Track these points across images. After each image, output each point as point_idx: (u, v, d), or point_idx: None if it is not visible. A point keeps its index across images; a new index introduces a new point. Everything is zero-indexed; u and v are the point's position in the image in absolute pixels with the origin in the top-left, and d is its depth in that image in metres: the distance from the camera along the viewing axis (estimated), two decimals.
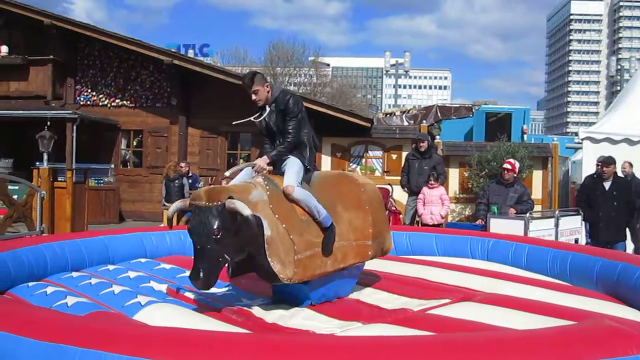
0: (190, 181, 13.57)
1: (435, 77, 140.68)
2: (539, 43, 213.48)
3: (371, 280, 4.76)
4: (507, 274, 5.25)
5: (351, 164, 15.13)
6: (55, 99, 16.65)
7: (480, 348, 2.29)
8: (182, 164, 13.75)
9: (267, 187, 4.07)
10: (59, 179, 11.88)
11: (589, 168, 9.99)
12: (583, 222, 8.91)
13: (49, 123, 14.12)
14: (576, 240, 8.55)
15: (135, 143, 17.14)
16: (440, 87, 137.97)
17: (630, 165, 10.17)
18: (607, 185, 8.56)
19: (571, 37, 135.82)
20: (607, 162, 8.58)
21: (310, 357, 2.20)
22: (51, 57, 16.39)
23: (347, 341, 2.54)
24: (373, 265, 5.02)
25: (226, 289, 4.62)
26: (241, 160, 16.53)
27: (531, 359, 2.20)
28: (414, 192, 9.97)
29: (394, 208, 10.50)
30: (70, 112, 15.35)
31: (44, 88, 16.58)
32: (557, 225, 8.28)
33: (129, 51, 16.20)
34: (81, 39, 16.71)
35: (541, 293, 4.46)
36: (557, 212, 8.57)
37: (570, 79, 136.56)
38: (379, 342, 2.40)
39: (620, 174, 9.37)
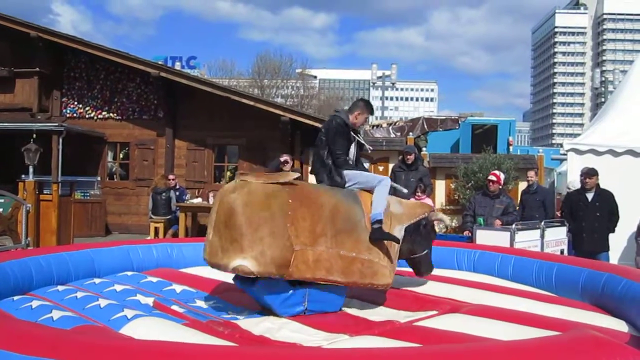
0: (177, 194, 13.56)
1: (422, 89, 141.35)
2: (524, 55, 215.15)
3: (358, 292, 4.77)
4: (493, 285, 5.28)
5: None
6: (41, 111, 16.58)
7: (466, 359, 2.30)
8: (171, 177, 13.75)
9: None
10: (45, 192, 11.78)
11: (573, 179, 10.08)
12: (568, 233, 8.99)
13: (34, 135, 14.03)
14: (562, 251, 8.61)
15: (121, 155, 17.08)
16: (426, 99, 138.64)
17: (536, 174, 10.47)
18: (590, 196, 8.67)
19: (556, 50, 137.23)
20: (589, 173, 8.69)
21: None
22: (37, 69, 16.34)
23: (334, 353, 2.55)
24: None
25: (213, 302, 4.60)
26: (228, 173, 16.52)
27: None
28: None
29: None
30: (56, 124, 15.29)
31: (30, 100, 16.51)
32: (542, 236, 8.33)
33: (116, 63, 16.19)
34: (67, 51, 16.68)
35: (527, 304, 4.48)
36: (542, 224, 8.62)
37: (555, 90, 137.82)
38: (365, 353, 2.41)
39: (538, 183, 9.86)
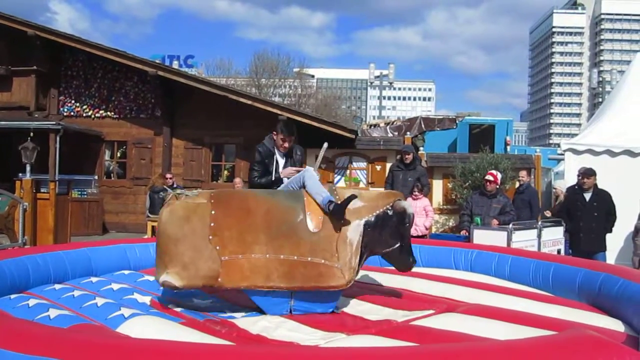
0: None
1: (420, 89, 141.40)
2: (522, 55, 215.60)
3: (355, 291, 4.77)
4: (490, 284, 5.28)
5: (335, 175, 15.16)
6: (39, 109, 16.57)
7: (463, 358, 2.30)
8: (168, 176, 13.73)
9: None
10: (42, 191, 11.76)
11: (571, 179, 10.11)
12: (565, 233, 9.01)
13: (32, 134, 14.02)
14: (559, 251, 8.63)
15: (119, 154, 17.09)
16: (424, 99, 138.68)
17: (528, 174, 10.50)
18: (587, 196, 8.70)
19: (553, 50, 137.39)
20: (587, 173, 8.71)
21: None
22: (35, 67, 16.34)
23: (331, 352, 2.55)
24: (358, 276, 5.03)
25: (210, 301, 4.60)
26: (226, 172, 16.52)
27: None
28: None
29: None
30: (53, 123, 15.28)
31: (27, 99, 16.51)
32: (539, 236, 8.35)
33: (113, 62, 16.19)
34: (65, 50, 16.67)
35: (524, 303, 4.48)
36: (539, 223, 8.64)
37: (552, 90, 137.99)
38: (362, 352, 2.41)
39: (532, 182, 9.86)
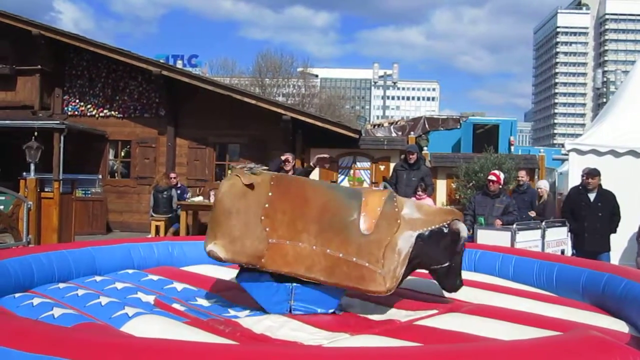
0: (178, 192, 13.57)
1: (424, 89, 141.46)
2: (526, 55, 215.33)
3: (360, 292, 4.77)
4: (494, 284, 5.28)
5: (339, 175, 15.17)
6: (43, 109, 16.61)
7: (466, 359, 2.30)
8: (172, 175, 13.76)
9: None
10: (46, 190, 11.80)
11: (575, 179, 10.09)
12: (569, 233, 9.00)
13: (36, 133, 14.06)
14: (562, 251, 8.62)
15: (123, 154, 17.12)
16: (428, 99, 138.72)
17: (527, 174, 10.50)
18: (592, 196, 8.68)
19: (558, 50, 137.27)
20: (592, 173, 8.70)
21: None
22: (39, 67, 16.39)
23: (334, 352, 2.55)
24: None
25: (214, 300, 4.61)
26: (229, 172, 16.52)
27: None
28: None
29: None
30: (57, 122, 15.32)
31: (31, 98, 16.55)
32: (543, 236, 8.34)
33: (117, 61, 16.22)
34: (69, 49, 16.71)
35: (528, 304, 4.48)
36: (543, 224, 8.63)
37: (556, 90, 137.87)
38: (365, 352, 2.41)
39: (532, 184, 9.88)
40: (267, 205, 4.22)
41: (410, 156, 10.30)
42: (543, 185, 10.85)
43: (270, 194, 4.26)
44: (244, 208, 4.21)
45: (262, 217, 4.18)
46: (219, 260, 4.25)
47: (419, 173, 10.12)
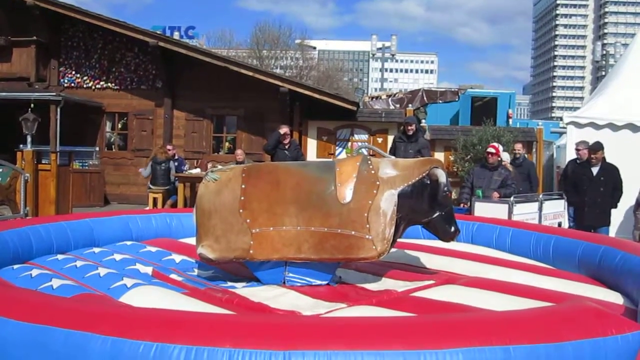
0: (176, 164, 13.56)
1: (422, 61, 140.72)
2: (526, 27, 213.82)
3: (357, 263, 4.79)
4: (491, 257, 5.31)
5: (337, 148, 15.15)
6: (39, 80, 16.50)
7: (460, 329, 2.32)
8: (169, 147, 13.73)
9: None
10: (43, 162, 11.79)
11: (572, 153, 10.09)
12: (567, 206, 9.02)
13: (32, 105, 13.98)
14: (559, 224, 8.65)
15: (120, 126, 17.05)
16: (426, 71, 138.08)
17: (523, 146, 10.47)
18: (595, 170, 8.63)
19: (557, 22, 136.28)
20: (595, 148, 8.65)
21: (294, 338, 2.22)
22: (34, 38, 16.22)
23: (332, 322, 2.57)
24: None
25: (212, 271, 4.63)
26: (227, 144, 16.50)
27: (511, 338, 2.24)
28: None
29: None
30: (54, 94, 15.22)
31: (27, 70, 16.42)
32: (540, 209, 8.37)
33: (114, 33, 16.07)
34: (65, 20, 16.54)
35: (524, 276, 4.51)
36: (540, 196, 8.65)
37: (555, 63, 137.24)
38: (362, 322, 2.43)
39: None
40: (242, 198, 4.23)
41: (409, 128, 10.27)
42: (505, 158, 10.81)
43: (243, 186, 4.27)
44: (220, 206, 4.26)
45: (240, 210, 4.19)
46: (210, 262, 4.32)
47: (416, 145, 10.09)
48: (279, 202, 4.21)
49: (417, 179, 4.28)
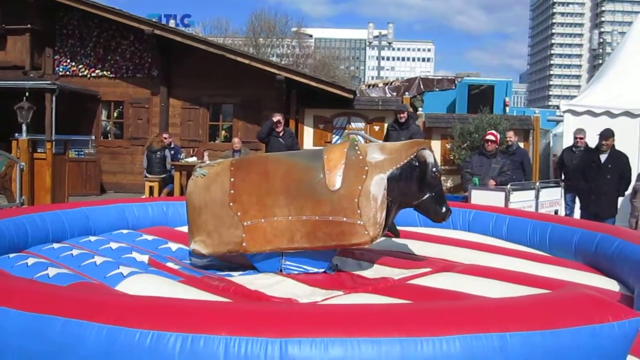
0: (172, 153, 13.53)
1: (419, 49, 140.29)
2: (523, 15, 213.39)
3: (353, 251, 4.79)
4: (488, 244, 5.32)
5: (333, 136, 15.13)
6: (34, 69, 16.41)
7: (457, 315, 2.32)
8: (165, 136, 13.70)
9: None
10: (39, 151, 11.73)
11: (569, 141, 10.09)
12: (564, 194, 9.01)
13: (27, 94, 13.91)
14: (556, 212, 8.66)
15: (115, 114, 16.99)
16: (423, 59, 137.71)
17: (515, 134, 10.46)
18: (603, 157, 8.56)
19: (554, 10, 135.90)
20: (605, 135, 8.58)
21: (291, 325, 2.22)
22: (29, 26, 16.12)
23: (328, 309, 2.57)
24: None
25: (208, 260, 4.63)
26: (223, 132, 16.47)
27: (508, 325, 2.24)
28: None
29: None
30: (49, 82, 15.15)
31: (22, 58, 16.33)
32: (537, 196, 8.37)
33: (109, 21, 15.98)
34: (60, 8, 16.43)
35: (521, 264, 4.52)
36: (537, 184, 8.65)
37: (552, 52, 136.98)
38: (358, 309, 2.43)
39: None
40: (232, 191, 4.23)
41: (401, 115, 10.35)
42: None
43: (232, 179, 4.27)
44: (210, 201, 4.27)
45: (231, 204, 4.20)
46: (202, 257, 4.34)
47: (407, 132, 10.15)
48: (268, 194, 4.21)
49: (405, 161, 4.28)
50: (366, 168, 4.18)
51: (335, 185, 4.14)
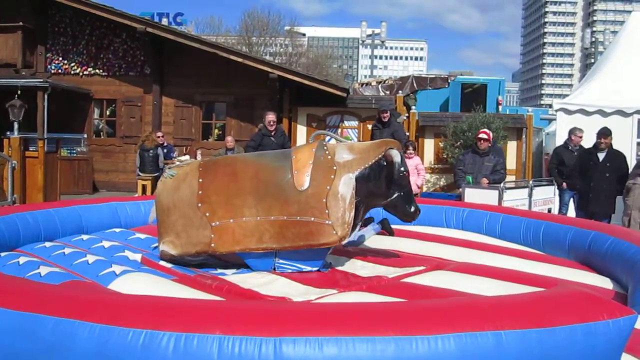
0: (165, 151, 13.49)
1: (412, 48, 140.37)
2: (515, 14, 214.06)
3: (348, 250, 4.78)
4: (481, 243, 5.31)
5: None
6: (26, 67, 16.33)
7: (452, 314, 2.31)
8: (158, 134, 13.66)
9: None
10: (31, 149, 11.67)
11: (562, 139, 10.10)
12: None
13: (19, 92, 13.85)
14: (549, 210, 8.67)
15: (108, 112, 16.93)
16: (416, 58, 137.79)
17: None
18: (601, 156, 8.56)
19: (547, 9, 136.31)
20: (604, 133, 8.58)
21: (285, 324, 2.20)
22: (21, 23, 16.04)
23: (322, 307, 2.55)
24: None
25: (202, 258, 4.61)
26: (216, 130, 16.44)
27: (503, 324, 2.23)
28: None
29: None
30: (41, 80, 15.09)
31: (13, 56, 16.25)
32: (530, 195, 8.39)
33: (101, 18, 15.92)
34: (51, 5, 16.37)
35: (514, 262, 4.52)
36: (530, 182, 8.67)
37: (545, 51, 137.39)
38: (352, 308, 2.42)
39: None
40: (200, 192, 4.23)
41: (384, 115, 10.48)
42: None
43: (200, 180, 4.27)
44: (179, 201, 4.27)
45: (199, 204, 4.19)
46: (171, 258, 4.31)
47: (389, 130, 10.22)
48: (237, 194, 4.19)
49: (373, 161, 4.26)
50: (335, 168, 4.17)
51: (304, 185, 4.14)
